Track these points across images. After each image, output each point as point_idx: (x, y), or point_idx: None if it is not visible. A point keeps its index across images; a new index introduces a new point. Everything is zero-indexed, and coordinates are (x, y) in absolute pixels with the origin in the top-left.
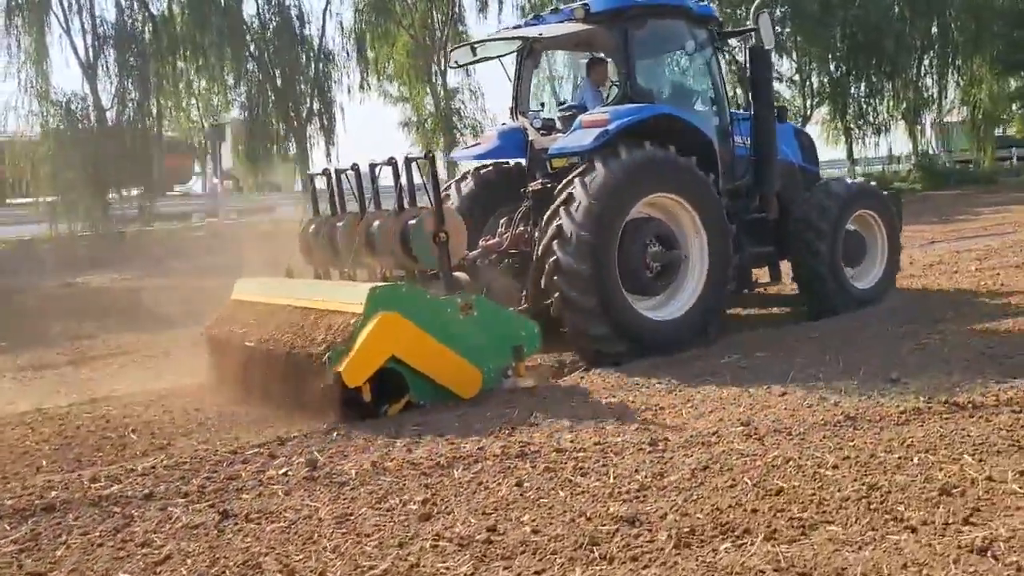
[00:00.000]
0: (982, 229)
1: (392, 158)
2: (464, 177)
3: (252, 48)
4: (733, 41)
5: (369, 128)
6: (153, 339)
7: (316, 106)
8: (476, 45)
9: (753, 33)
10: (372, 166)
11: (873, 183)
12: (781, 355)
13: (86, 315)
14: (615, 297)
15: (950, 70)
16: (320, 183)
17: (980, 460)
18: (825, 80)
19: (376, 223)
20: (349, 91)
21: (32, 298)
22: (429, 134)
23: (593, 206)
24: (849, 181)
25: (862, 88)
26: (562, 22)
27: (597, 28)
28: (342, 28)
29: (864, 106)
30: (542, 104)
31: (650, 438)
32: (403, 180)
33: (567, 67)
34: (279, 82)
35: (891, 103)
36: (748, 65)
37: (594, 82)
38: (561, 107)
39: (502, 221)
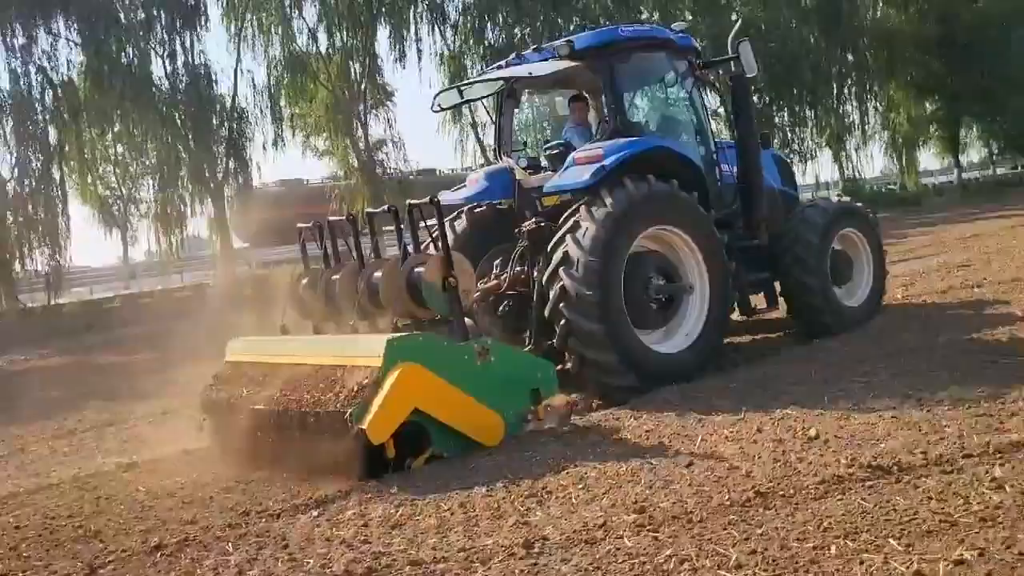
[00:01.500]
0: (908, 252)
1: (392, 206)
2: (453, 220)
3: (162, 109)
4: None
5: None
6: (14, 433)
7: (232, 165)
8: (463, 88)
9: (733, 62)
10: (370, 215)
11: (850, 200)
12: (692, 414)
13: None
14: (621, 326)
15: (868, 96)
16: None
17: (907, 545)
18: None
19: (378, 272)
20: (264, 148)
21: None
22: (353, 187)
23: (601, 233)
24: (830, 201)
25: (785, 117)
26: (546, 60)
27: (583, 65)
28: (254, 85)
29: (789, 135)
30: (525, 143)
31: (525, 538)
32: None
33: (547, 106)
34: (192, 143)
35: (815, 131)
36: (730, 94)
37: (577, 119)
38: (547, 145)
39: (496, 263)
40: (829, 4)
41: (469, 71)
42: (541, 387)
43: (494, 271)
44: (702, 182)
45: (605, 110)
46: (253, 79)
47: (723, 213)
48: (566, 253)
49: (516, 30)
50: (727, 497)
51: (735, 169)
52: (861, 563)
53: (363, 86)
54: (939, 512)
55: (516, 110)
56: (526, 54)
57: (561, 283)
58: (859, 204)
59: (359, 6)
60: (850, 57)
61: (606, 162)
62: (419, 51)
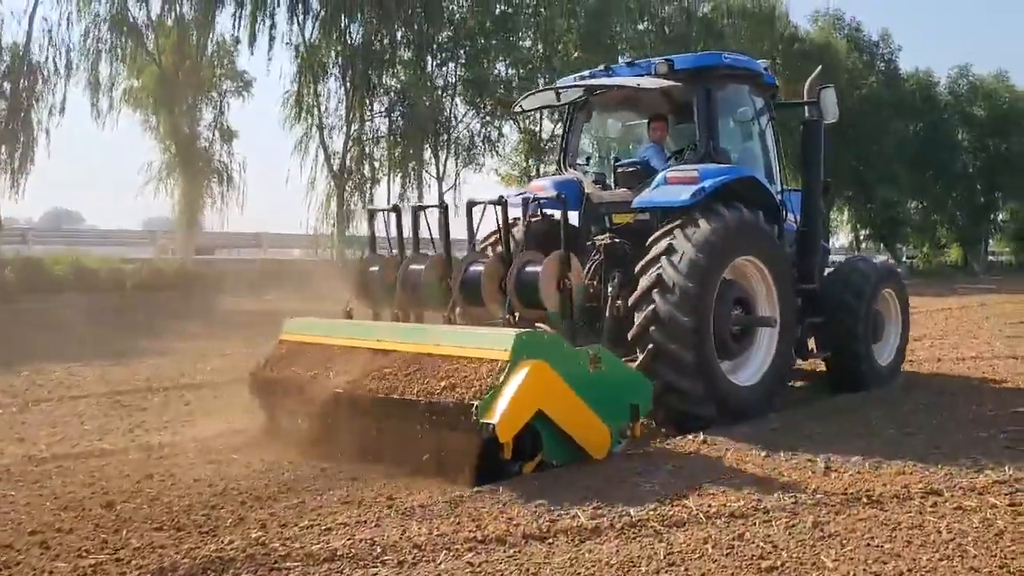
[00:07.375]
0: None
1: (502, 197)
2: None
3: None
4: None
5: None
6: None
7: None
8: (560, 90)
9: (810, 106)
10: (470, 205)
11: (892, 262)
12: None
13: None
14: (709, 355)
15: None
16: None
17: None
18: None
19: (477, 267)
20: (50, 112)
21: None
22: (167, 174)
23: (699, 259)
24: (876, 260)
25: None
26: (639, 76)
27: (680, 85)
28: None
29: None
30: (588, 158)
31: None
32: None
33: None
34: None
35: None
36: (802, 138)
37: (656, 139)
38: (620, 163)
39: None
40: None
41: (328, 67)
42: (640, 403)
43: None
44: (779, 220)
45: (697, 133)
46: (50, 32)
47: None
48: (660, 276)
49: (382, 30)
50: None
51: (792, 214)
52: None
53: (203, 62)
54: None
55: (585, 124)
56: (615, 68)
57: (653, 306)
58: (897, 266)
59: None
60: None
61: (705, 184)
62: (271, 40)
